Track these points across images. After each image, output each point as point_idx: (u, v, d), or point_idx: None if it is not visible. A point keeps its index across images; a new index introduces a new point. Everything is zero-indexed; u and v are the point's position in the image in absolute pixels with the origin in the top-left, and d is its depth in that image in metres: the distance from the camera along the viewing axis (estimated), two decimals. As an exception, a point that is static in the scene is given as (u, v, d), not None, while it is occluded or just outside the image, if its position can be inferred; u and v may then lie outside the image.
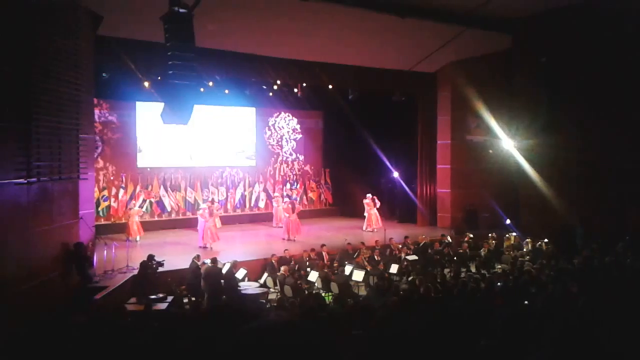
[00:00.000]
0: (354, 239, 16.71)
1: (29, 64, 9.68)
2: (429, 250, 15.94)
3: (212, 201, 20.31)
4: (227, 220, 21.04)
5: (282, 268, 13.59)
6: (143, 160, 21.09)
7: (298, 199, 23.42)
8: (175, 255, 14.96)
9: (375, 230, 19.87)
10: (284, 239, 18.17)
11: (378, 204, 20.61)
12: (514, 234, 17.15)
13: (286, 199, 21.45)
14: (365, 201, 20.69)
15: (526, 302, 8.33)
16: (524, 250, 15.82)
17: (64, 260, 11.40)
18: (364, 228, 20.29)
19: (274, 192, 23.20)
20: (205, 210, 17.22)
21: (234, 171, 23.14)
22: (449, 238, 17.18)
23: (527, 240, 16.19)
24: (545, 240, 15.52)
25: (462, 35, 16.95)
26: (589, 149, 15.95)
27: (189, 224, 20.69)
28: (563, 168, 16.58)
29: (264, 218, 22.43)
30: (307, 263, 14.46)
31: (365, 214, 20.64)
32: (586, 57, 15.92)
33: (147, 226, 19.13)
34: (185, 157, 21.89)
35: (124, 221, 18.67)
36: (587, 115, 16.16)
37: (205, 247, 16.47)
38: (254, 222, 22.31)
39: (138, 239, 17.54)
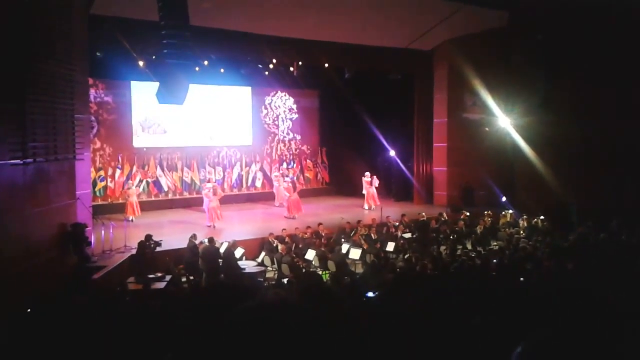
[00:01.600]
0: (351, 218, 16.76)
1: (22, 44, 9.59)
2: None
3: (209, 180, 20.32)
4: (224, 200, 21.04)
5: (280, 247, 13.68)
6: (144, 140, 21.08)
7: (295, 178, 23.41)
8: (173, 234, 14.99)
9: (373, 208, 19.92)
10: (286, 217, 18.17)
11: (377, 183, 20.58)
12: (510, 211, 17.23)
13: (287, 178, 21.34)
14: (364, 179, 20.66)
15: (522, 278, 8.41)
16: (520, 227, 15.91)
17: (61, 241, 11.43)
18: (365, 207, 20.23)
19: (270, 171, 23.26)
20: (210, 190, 17.25)
21: (231, 151, 23.09)
22: (444, 216, 17.24)
23: (523, 217, 16.27)
24: (541, 217, 15.61)
25: (458, 12, 16.85)
26: (585, 127, 15.96)
27: (186, 203, 20.79)
28: (559, 145, 16.61)
29: (261, 197, 22.47)
30: (304, 241, 14.51)
31: (364, 191, 20.64)
32: (583, 34, 15.85)
33: (144, 206, 19.13)
34: (181, 136, 21.82)
35: (121, 201, 18.69)
36: (584, 92, 16.15)
37: (209, 226, 16.52)
38: (251, 201, 22.33)
39: (132, 218, 17.51)
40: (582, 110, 16.19)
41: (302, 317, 1.58)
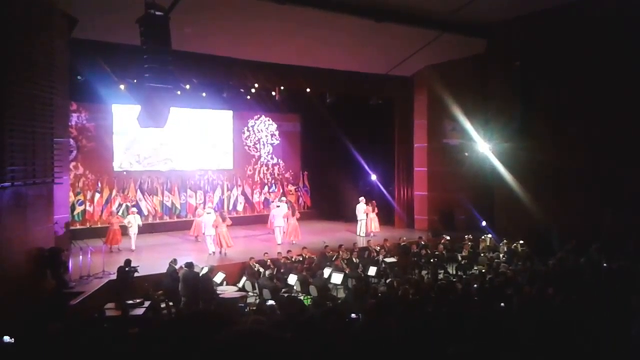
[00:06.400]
0: (332, 242, 16.72)
1: (3, 67, 9.53)
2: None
3: (208, 205, 20.04)
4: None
5: (261, 271, 13.59)
6: (124, 164, 20.95)
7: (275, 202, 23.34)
8: (153, 259, 14.82)
9: (372, 235, 19.64)
10: (288, 242, 17.81)
11: (375, 210, 20.45)
12: (490, 235, 17.31)
13: (289, 203, 20.60)
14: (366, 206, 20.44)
15: (502, 303, 8.43)
16: (500, 251, 15.99)
17: (38, 266, 11.23)
18: (363, 234, 19.99)
19: (252, 195, 23.25)
20: (217, 215, 16.86)
21: (213, 175, 23.02)
22: (423, 240, 17.30)
23: (503, 241, 16.37)
24: (521, 241, 15.71)
25: (437, 40, 17.12)
26: (562, 152, 16.17)
27: (166, 227, 20.64)
28: (537, 171, 16.79)
29: (242, 222, 22.32)
30: (285, 266, 14.43)
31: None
32: (560, 61, 16.17)
33: (123, 230, 18.91)
34: (162, 160, 21.73)
35: (99, 225, 18.41)
36: (561, 118, 16.40)
37: (212, 253, 16.13)
38: (232, 225, 22.13)
39: (111, 248, 16.62)
40: (559, 137, 16.42)
41: (279, 348, 1.56)
